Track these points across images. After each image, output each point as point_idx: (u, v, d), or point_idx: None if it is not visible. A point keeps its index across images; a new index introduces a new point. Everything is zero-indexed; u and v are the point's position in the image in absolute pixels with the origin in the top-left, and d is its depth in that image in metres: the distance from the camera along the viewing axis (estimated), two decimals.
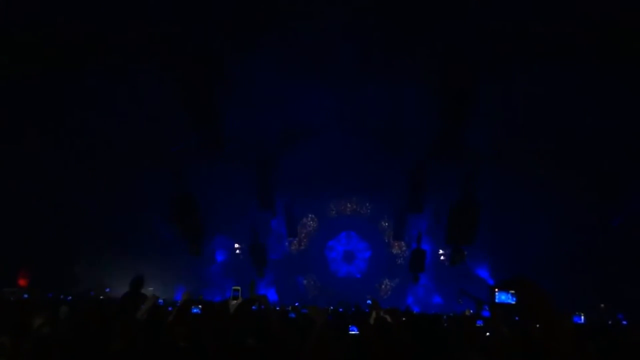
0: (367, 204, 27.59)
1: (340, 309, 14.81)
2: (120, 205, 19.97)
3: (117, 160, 17.79)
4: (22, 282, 19.00)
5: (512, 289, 1.74)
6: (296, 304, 17.18)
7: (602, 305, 16.62)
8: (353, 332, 3.72)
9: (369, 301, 11.31)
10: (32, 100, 14.71)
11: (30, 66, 13.07)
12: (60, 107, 15.52)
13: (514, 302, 1.71)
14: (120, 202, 19.89)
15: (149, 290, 8.03)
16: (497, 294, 1.81)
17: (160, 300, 10.75)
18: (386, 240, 27.31)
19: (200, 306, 4.77)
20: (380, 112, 18.00)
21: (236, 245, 23.97)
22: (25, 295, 14.71)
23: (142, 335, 3.51)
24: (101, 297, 18.56)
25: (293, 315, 8.82)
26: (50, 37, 12.39)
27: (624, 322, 13.31)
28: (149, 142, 16.83)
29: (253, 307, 4.15)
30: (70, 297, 15.85)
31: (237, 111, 15.55)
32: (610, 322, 12.15)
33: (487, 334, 4.47)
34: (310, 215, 27.83)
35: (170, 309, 7.02)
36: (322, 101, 17.18)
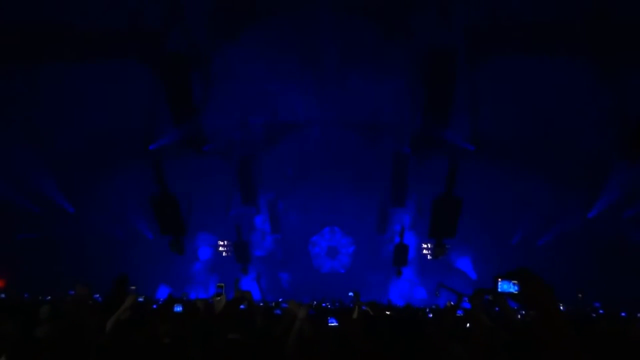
0: (351, 199, 27.64)
1: (324, 304, 14.86)
2: (100, 203, 19.68)
3: (98, 157, 17.50)
4: None
5: (515, 279, 1.78)
6: (280, 300, 17.16)
7: (580, 295, 17.02)
8: (332, 324, 3.75)
9: (350, 293, 11.41)
10: (7, 94, 14.37)
11: (5, 59, 12.75)
12: (37, 102, 15.18)
13: (516, 291, 1.76)
14: (101, 200, 19.59)
15: (131, 289, 7.96)
16: (500, 282, 1.86)
17: (140, 298, 10.66)
18: (369, 235, 27.40)
19: (181, 304, 4.76)
20: (362, 107, 18.07)
21: (220, 243, 23.80)
22: (3, 295, 14.44)
23: (125, 333, 3.49)
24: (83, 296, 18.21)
25: (278, 311, 8.82)
26: (26, 30, 12.11)
27: (601, 312, 13.70)
28: (129, 140, 16.58)
29: (241, 306, 4.17)
30: (49, 297, 15.56)
31: (218, 107, 15.43)
32: (593, 315, 12.43)
33: (467, 324, 4.57)
34: (293, 211, 27.75)
35: (154, 307, 6.98)
36: (305, 96, 17.18)
